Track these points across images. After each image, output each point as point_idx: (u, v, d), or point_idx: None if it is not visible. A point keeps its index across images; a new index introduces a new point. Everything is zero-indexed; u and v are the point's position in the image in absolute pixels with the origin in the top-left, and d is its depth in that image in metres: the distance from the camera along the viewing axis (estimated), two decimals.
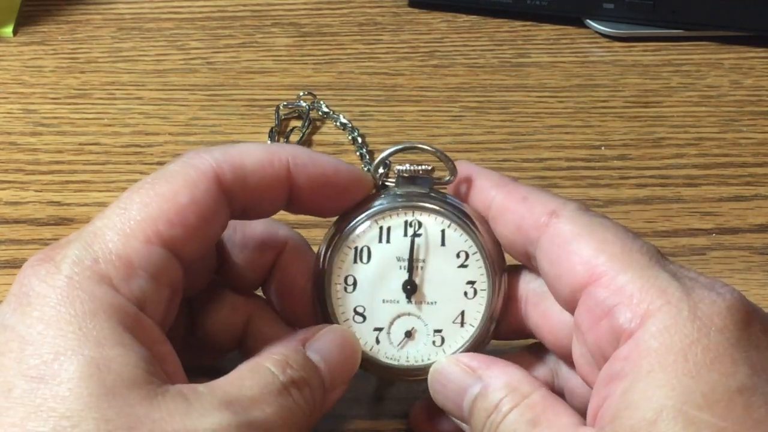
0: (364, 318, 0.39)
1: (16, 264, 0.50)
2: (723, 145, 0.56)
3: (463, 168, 0.39)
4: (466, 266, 0.39)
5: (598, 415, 0.33)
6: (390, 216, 0.39)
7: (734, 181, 0.55)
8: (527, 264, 0.38)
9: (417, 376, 0.39)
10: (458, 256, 0.39)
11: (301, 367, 0.36)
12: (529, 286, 0.39)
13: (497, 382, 0.36)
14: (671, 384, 0.31)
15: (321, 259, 0.39)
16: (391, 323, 0.39)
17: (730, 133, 0.57)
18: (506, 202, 0.38)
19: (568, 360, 0.38)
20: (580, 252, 0.35)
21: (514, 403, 0.35)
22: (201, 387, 0.33)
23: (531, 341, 0.40)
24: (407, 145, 0.40)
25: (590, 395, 0.34)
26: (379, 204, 0.39)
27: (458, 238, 0.39)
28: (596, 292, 0.34)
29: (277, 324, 0.40)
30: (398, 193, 0.39)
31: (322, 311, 0.39)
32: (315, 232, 0.48)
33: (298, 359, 0.36)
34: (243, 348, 0.41)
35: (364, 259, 0.39)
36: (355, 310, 0.39)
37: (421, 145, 0.40)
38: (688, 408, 0.31)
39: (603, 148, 0.56)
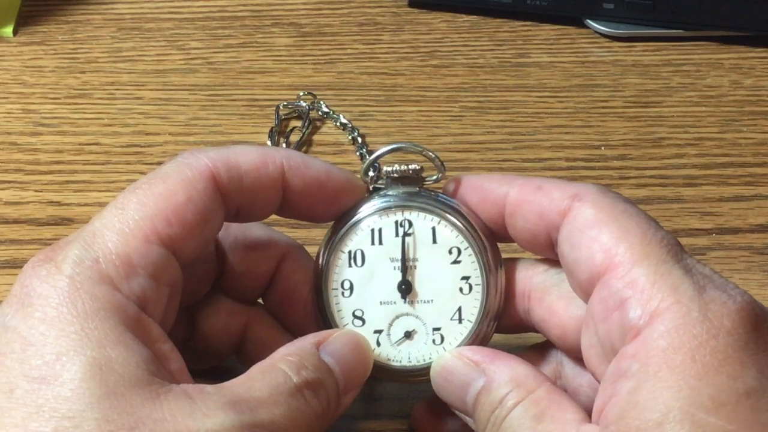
0: (363, 321, 0.39)
1: (16, 264, 0.50)
2: (723, 145, 0.56)
3: (469, 183, 0.39)
4: (459, 262, 0.39)
5: (603, 413, 0.33)
6: (380, 217, 0.39)
7: (734, 181, 0.55)
8: (549, 255, 0.38)
9: (420, 376, 0.39)
10: (450, 252, 0.39)
11: (317, 368, 0.35)
12: (531, 281, 0.39)
13: (502, 377, 0.36)
14: (678, 385, 0.31)
15: (319, 266, 0.39)
16: (390, 325, 0.39)
17: (730, 133, 0.57)
18: (522, 195, 0.37)
19: (574, 355, 0.38)
20: (601, 239, 0.34)
21: (520, 398, 0.35)
22: (209, 387, 0.33)
23: (532, 342, 0.41)
24: (394, 147, 0.40)
25: (594, 395, 0.34)
26: (369, 206, 0.39)
27: (449, 235, 0.39)
28: (611, 282, 0.34)
29: (275, 330, 0.41)
30: (388, 194, 0.39)
31: (322, 317, 0.39)
32: (315, 233, 0.48)
33: (313, 361, 0.35)
34: (241, 354, 0.41)
35: (358, 262, 0.39)
36: (353, 314, 0.39)
37: (407, 146, 0.40)
38: (694, 410, 0.31)
39: (603, 148, 0.56)
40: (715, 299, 0.32)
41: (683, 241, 0.51)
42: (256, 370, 0.35)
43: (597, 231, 0.35)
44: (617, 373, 0.33)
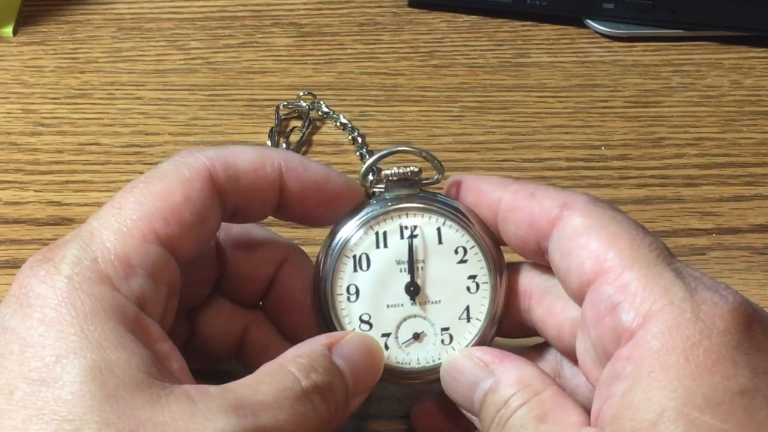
0: (371, 325, 0.39)
1: (16, 264, 0.50)
2: (723, 145, 0.56)
3: (467, 183, 0.39)
4: (465, 261, 0.39)
5: (600, 415, 0.33)
6: (384, 221, 0.39)
7: (734, 181, 0.55)
8: (540, 262, 0.38)
9: (429, 377, 0.39)
10: (456, 252, 0.39)
11: (327, 371, 0.35)
12: (532, 281, 0.39)
13: (509, 378, 0.36)
14: (672, 385, 0.31)
15: (320, 271, 0.39)
16: (398, 327, 0.39)
17: (730, 133, 0.57)
18: (514, 201, 0.38)
19: (571, 356, 0.38)
20: (590, 246, 0.35)
21: (525, 399, 0.35)
22: (212, 389, 0.32)
23: (533, 342, 0.41)
24: (391, 150, 0.40)
25: (592, 394, 0.34)
26: (371, 210, 0.39)
27: (454, 235, 0.39)
28: (602, 287, 0.34)
29: (274, 333, 0.41)
30: (389, 197, 0.39)
31: (325, 322, 0.39)
32: (315, 233, 0.48)
33: (324, 364, 0.35)
34: (240, 357, 0.41)
35: (364, 266, 0.39)
36: (360, 319, 0.39)
37: (405, 148, 0.40)
38: (689, 410, 0.31)
39: (603, 148, 0.56)
40: (706, 300, 0.32)
41: (683, 241, 0.52)
42: (263, 371, 0.34)
43: (586, 238, 0.35)
44: (612, 375, 0.33)
